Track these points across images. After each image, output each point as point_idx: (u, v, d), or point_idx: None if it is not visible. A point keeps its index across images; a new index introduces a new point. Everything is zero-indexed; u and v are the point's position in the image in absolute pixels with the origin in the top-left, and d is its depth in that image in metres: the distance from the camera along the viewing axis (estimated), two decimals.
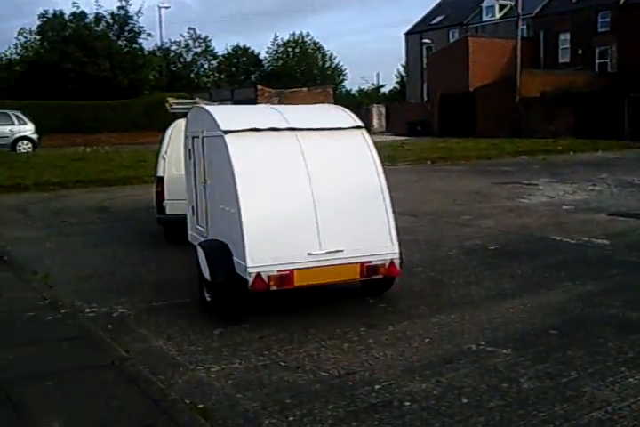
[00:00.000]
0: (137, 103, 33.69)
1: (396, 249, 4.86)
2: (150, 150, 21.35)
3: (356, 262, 4.67)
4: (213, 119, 5.06)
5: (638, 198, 10.46)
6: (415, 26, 52.14)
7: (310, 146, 4.97)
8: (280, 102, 32.14)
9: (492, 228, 8.15)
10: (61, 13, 38.03)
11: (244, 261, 4.43)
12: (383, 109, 47.55)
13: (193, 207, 5.85)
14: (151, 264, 6.51)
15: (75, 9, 37.71)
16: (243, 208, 4.56)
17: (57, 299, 5.17)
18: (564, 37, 41.29)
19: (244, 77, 64.15)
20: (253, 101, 33.89)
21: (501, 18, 45.24)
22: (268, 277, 4.44)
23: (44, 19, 38.40)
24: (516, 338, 4.21)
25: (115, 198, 11.64)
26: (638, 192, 11.25)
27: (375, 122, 46.36)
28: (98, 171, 14.61)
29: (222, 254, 4.74)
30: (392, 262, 4.79)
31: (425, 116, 40.53)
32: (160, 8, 41.28)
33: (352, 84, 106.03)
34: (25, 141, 23.21)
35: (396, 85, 68.14)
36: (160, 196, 7.47)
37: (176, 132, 7.32)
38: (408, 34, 51.84)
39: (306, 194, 4.75)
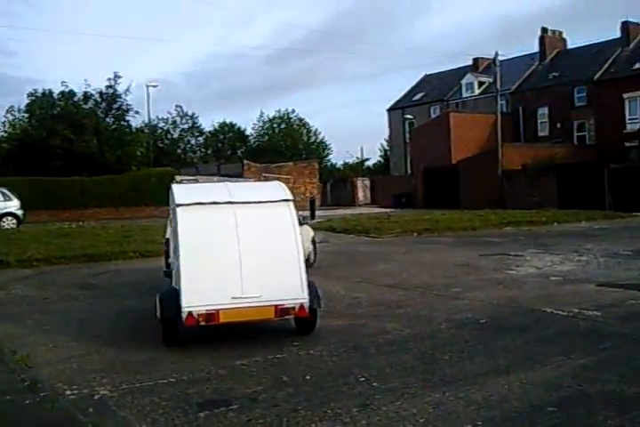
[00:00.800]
0: (124, 179, 34.05)
1: (306, 296, 6.09)
2: (137, 225, 21.44)
3: (271, 305, 5.98)
4: (174, 195, 6.61)
5: (625, 269, 10.48)
6: (397, 102, 53.85)
7: (243, 215, 6.38)
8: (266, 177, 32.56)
9: (481, 300, 8.07)
10: (50, 92, 38.92)
11: (182, 302, 5.83)
12: (368, 182, 48.27)
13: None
14: (135, 343, 6.33)
15: (63, 88, 38.67)
16: (182, 262, 6.01)
17: (36, 380, 4.99)
18: (542, 111, 42.75)
19: (231, 153, 65.32)
20: (240, 176, 34.32)
21: (480, 93, 46.92)
22: (198, 314, 5.82)
23: (33, 97, 39.25)
24: (513, 417, 4.07)
25: (99, 274, 11.48)
26: (625, 262, 11.29)
27: (360, 194, 46.97)
28: (83, 246, 14.49)
29: (171, 298, 6.04)
30: (302, 306, 6.05)
31: (409, 188, 41.18)
32: (148, 86, 42.45)
33: (337, 158, 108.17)
34: (9, 217, 23.16)
35: (380, 159, 69.57)
36: (166, 254, 8.31)
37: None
38: (390, 110, 53.45)
39: (234, 253, 6.11)
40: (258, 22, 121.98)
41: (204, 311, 5.85)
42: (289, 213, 6.54)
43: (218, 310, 5.85)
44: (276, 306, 5.99)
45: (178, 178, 8.99)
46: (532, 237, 16.82)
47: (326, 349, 5.86)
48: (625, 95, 38.24)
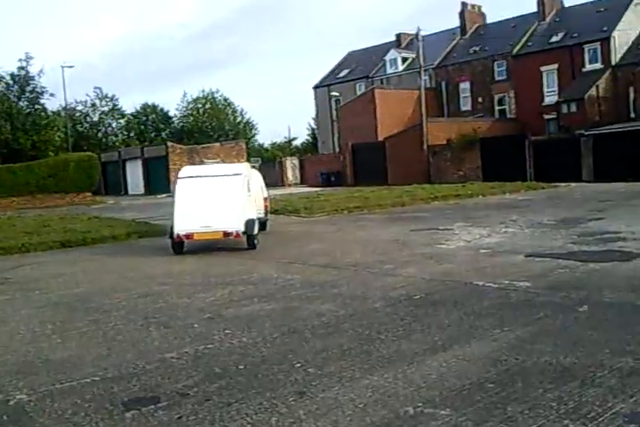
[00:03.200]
0: (41, 165, 32.48)
1: (241, 227, 11.40)
2: (56, 214, 20.50)
3: (220, 231, 11.40)
4: (181, 171, 12.90)
5: (551, 238, 10.71)
6: (323, 79, 53.55)
7: (212, 182, 12.04)
8: (223, 162, 31.38)
9: (414, 276, 8.04)
10: None
11: (174, 228, 11.35)
12: (297, 162, 48.00)
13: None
14: (57, 339, 5.93)
15: None
16: (175, 209, 11.57)
17: None
18: (465, 86, 43.43)
19: (155, 135, 63.51)
20: (164, 158, 33.39)
21: (404, 69, 47.20)
22: (182, 235, 11.27)
23: None
24: (453, 396, 3.98)
25: (16, 267, 10.84)
26: (550, 232, 11.56)
27: (290, 174, 46.68)
28: None
29: (172, 228, 11.50)
30: (237, 232, 11.38)
31: (338, 166, 41.19)
32: (63, 67, 40.54)
33: (264, 138, 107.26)
34: None
35: (308, 138, 69.31)
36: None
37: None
38: (316, 87, 53.12)
39: (202, 203, 11.58)
40: (177, 2, 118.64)
41: (184, 233, 11.39)
42: (239, 180, 12.20)
43: (192, 233, 11.39)
44: (223, 231, 11.48)
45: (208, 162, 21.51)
46: (459, 210, 17.06)
47: (260, 335, 5.64)
48: (542, 68, 39.28)
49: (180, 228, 11.37)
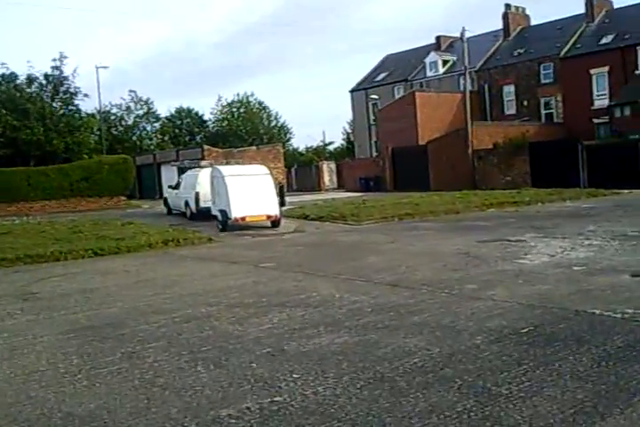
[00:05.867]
0: (75, 168, 31.68)
1: (278, 212, 16.39)
2: (88, 219, 19.53)
3: (264, 215, 16.28)
4: (220, 170, 17.42)
5: None
6: (360, 83, 52.39)
7: (250, 180, 16.72)
8: (240, 163, 30.78)
9: (507, 300, 6.70)
10: None
11: (231, 214, 16.04)
12: (333, 166, 46.83)
13: (213, 201, 17.62)
14: (80, 382, 4.75)
15: (4, 70, 35.78)
16: (230, 198, 16.13)
17: None
18: (509, 90, 41.84)
19: (189, 139, 62.98)
20: (202, 160, 32.43)
21: (445, 72, 45.76)
22: (237, 218, 16.11)
23: None
24: None
25: (43, 279, 9.78)
26: None
27: (326, 179, 45.52)
28: (26, 246, 12.69)
29: (224, 212, 16.35)
30: (276, 216, 16.32)
31: (376, 171, 39.87)
32: (98, 68, 39.94)
33: (298, 142, 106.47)
34: None
35: (343, 142, 68.15)
36: (197, 199, 19.91)
37: (202, 174, 20.21)
38: (353, 91, 51.94)
39: (250, 192, 16.28)
40: (212, 8, 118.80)
41: (240, 216, 15.97)
42: (269, 178, 16.99)
43: (245, 216, 16.04)
44: (267, 215, 16.20)
45: (203, 163, 23.10)
46: (522, 219, 15.62)
47: (339, 383, 4.38)
48: (592, 71, 37.52)
49: (237, 213, 16.10)
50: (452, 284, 7.74)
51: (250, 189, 16.27)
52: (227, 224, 16.30)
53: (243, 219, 16.05)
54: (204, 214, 18.92)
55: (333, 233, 14.90)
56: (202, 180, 20.08)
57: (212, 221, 17.67)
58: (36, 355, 5.52)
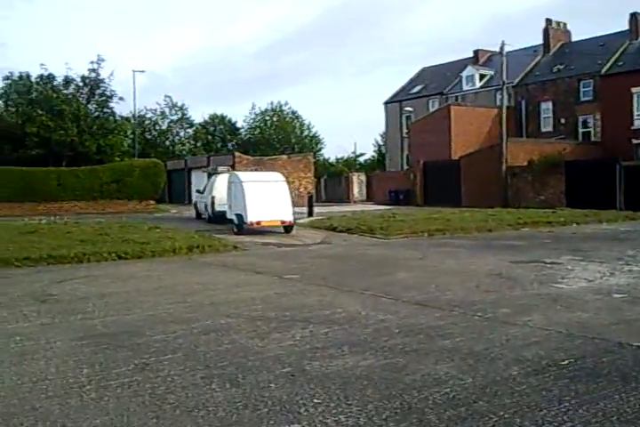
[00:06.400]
0: (106, 170, 31.83)
1: (292, 218, 17.47)
2: (115, 222, 19.46)
3: (279, 220, 17.29)
4: (238, 176, 18.64)
5: None
6: (394, 95, 52.10)
7: (267, 185, 17.71)
8: (258, 170, 30.86)
9: (545, 328, 6.29)
10: (28, 76, 36.40)
11: (247, 218, 16.99)
12: (363, 178, 46.52)
13: (230, 205, 18.50)
14: (88, 394, 4.50)
15: (43, 71, 36.21)
16: (247, 203, 17.07)
17: None
18: (546, 106, 41.16)
19: (221, 145, 63.30)
20: (232, 168, 32.44)
21: (481, 87, 45.23)
22: (253, 222, 17.03)
23: (9, 81, 36.72)
24: None
25: (64, 281, 9.62)
26: None
27: (356, 190, 45.22)
28: (51, 246, 12.59)
29: (240, 217, 17.34)
30: (290, 221, 17.42)
31: (407, 184, 39.45)
32: (135, 72, 40.30)
33: (329, 153, 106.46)
34: None
35: (374, 154, 67.87)
36: (213, 203, 21.33)
37: (219, 179, 21.57)
38: (387, 103, 51.65)
39: (265, 200, 17.21)
40: (249, 17, 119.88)
41: (255, 221, 16.91)
42: (285, 185, 17.98)
43: (260, 221, 16.97)
44: (281, 220, 17.24)
45: (220, 168, 24.64)
46: (558, 240, 15.11)
47: (363, 412, 4.05)
48: (634, 90, 36.69)
49: (253, 217, 17.00)
50: (485, 306, 7.35)
51: (266, 195, 17.23)
52: (242, 228, 17.28)
53: (258, 223, 17.04)
54: (220, 218, 19.98)
55: (361, 246, 14.56)
56: (218, 184, 21.27)
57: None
58: (45, 362, 5.28)
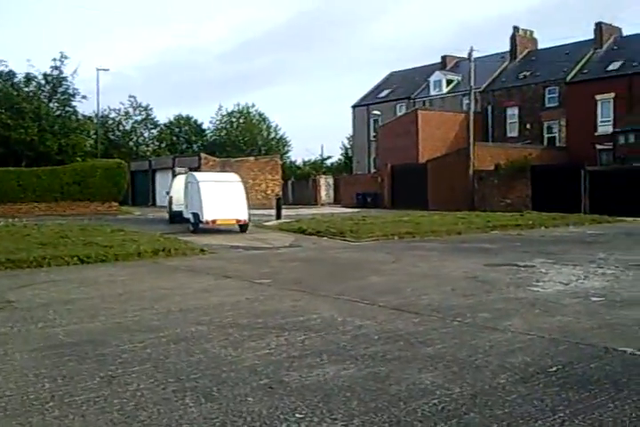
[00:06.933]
0: (67, 170, 30.93)
1: (246, 217, 18.07)
2: (77, 224, 18.86)
3: (234, 218, 18.08)
4: (195, 176, 19.63)
5: None
6: (362, 99, 52.16)
7: (223, 186, 18.76)
8: (224, 171, 30.49)
9: (527, 333, 6.13)
10: None
11: (203, 216, 17.75)
12: (331, 181, 46.40)
13: (186, 205, 19.59)
14: (51, 412, 4.15)
15: (2, 68, 35.09)
16: (203, 202, 17.82)
17: None
18: (512, 112, 41.63)
19: (186, 147, 62.51)
20: (197, 170, 31.97)
21: (448, 92, 45.55)
22: (208, 221, 17.73)
23: None
24: None
25: (23, 287, 9.15)
26: None
27: (323, 193, 45.05)
28: (8, 249, 12.02)
29: (197, 215, 18.01)
30: (244, 220, 18.05)
31: (374, 187, 39.44)
32: (98, 70, 39.44)
33: (296, 155, 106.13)
34: None
35: (341, 157, 67.85)
36: (170, 203, 22.45)
37: (177, 180, 22.86)
38: (355, 106, 51.65)
39: (220, 199, 17.97)
40: (217, 18, 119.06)
41: (211, 219, 17.59)
42: (240, 186, 18.94)
43: (216, 219, 17.67)
44: (236, 219, 18.01)
45: (178, 170, 25.97)
46: (528, 243, 15.11)
47: None
48: (598, 97, 37.35)
49: (209, 216, 17.73)
50: (464, 311, 7.17)
51: (221, 195, 18.08)
52: (198, 226, 18.16)
53: (214, 222, 17.78)
54: (178, 217, 20.98)
55: (332, 249, 14.33)
56: (176, 185, 22.48)
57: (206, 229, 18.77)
58: (4, 376, 4.88)
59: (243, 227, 18.24)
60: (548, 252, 13.03)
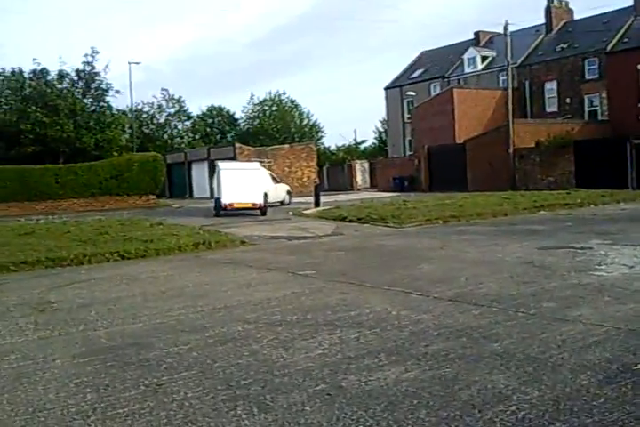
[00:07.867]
0: (104, 166, 31.02)
1: (262, 201, 21.38)
2: (116, 219, 18.77)
3: (251, 202, 21.32)
4: (219, 165, 23.14)
5: None
6: (394, 80, 51.24)
7: (243, 173, 22.18)
8: (260, 160, 30.26)
9: (600, 324, 5.62)
10: (20, 71, 35.39)
11: (222, 200, 21.54)
12: (366, 165, 45.79)
13: (213, 192, 24.46)
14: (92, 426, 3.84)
15: (35, 66, 35.24)
16: (222, 188, 21.60)
17: None
18: (551, 86, 40.35)
19: (220, 137, 62.50)
20: (232, 160, 31.81)
21: (484, 69, 44.37)
22: (227, 204, 21.41)
23: (1, 77, 35.70)
24: None
25: (64, 286, 8.96)
26: None
27: (359, 178, 44.51)
28: (48, 248, 11.90)
29: (218, 200, 21.78)
30: (261, 204, 21.34)
31: (411, 170, 38.76)
32: (130, 64, 39.40)
33: (330, 141, 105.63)
34: None
35: (375, 141, 67.08)
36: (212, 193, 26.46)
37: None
38: (388, 88, 50.81)
39: (239, 185, 21.17)
40: (245, 7, 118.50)
41: (228, 203, 21.14)
42: (258, 173, 22.68)
43: (233, 203, 21.16)
44: (252, 203, 21.10)
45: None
46: (580, 222, 14.45)
47: None
48: None
49: (226, 200, 20.82)
50: (527, 301, 6.68)
51: (239, 181, 20.95)
52: (220, 210, 21.20)
53: (231, 205, 20.95)
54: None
55: (375, 236, 13.90)
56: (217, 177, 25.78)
57: (237, 216, 21.41)
58: (43, 386, 4.62)
59: (262, 210, 21.03)
60: (604, 232, 12.38)
